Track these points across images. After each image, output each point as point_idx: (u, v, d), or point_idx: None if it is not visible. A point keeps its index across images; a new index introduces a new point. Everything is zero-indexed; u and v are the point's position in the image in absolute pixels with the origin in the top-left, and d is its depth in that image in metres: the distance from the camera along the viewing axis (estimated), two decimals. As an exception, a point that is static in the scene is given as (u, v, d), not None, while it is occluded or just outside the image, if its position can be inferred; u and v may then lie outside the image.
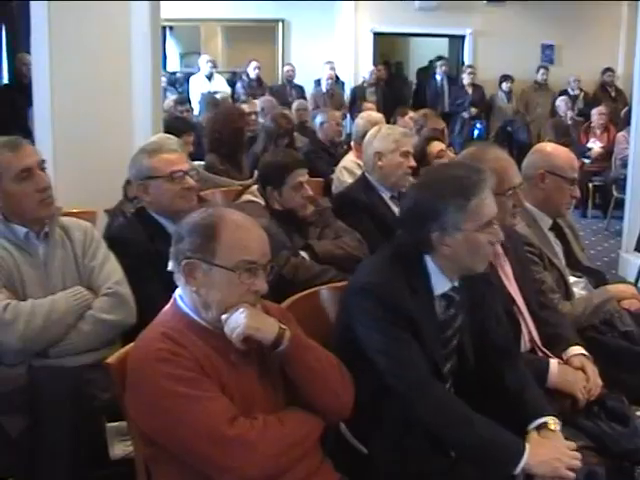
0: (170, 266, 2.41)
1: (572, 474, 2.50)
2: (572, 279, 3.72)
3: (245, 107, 7.72)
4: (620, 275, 7.82)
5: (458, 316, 2.76)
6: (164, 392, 2.19)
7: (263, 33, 14.45)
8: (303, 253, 3.89)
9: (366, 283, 2.64)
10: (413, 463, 2.59)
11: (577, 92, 13.48)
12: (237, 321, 2.29)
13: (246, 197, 4.25)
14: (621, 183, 9.07)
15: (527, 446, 2.52)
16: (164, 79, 11.93)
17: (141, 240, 3.45)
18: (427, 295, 2.67)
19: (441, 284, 2.69)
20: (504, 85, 13.57)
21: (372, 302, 2.59)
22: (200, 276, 2.33)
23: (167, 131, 5.46)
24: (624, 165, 8.69)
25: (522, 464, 2.48)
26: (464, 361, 2.81)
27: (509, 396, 2.76)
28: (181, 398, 2.18)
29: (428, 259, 2.67)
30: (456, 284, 2.74)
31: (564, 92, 13.36)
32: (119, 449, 2.91)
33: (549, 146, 3.79)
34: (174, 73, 13.98)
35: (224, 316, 2.31)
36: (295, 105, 9.92)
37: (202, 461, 2.20)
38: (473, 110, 13.08)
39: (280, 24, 14.27)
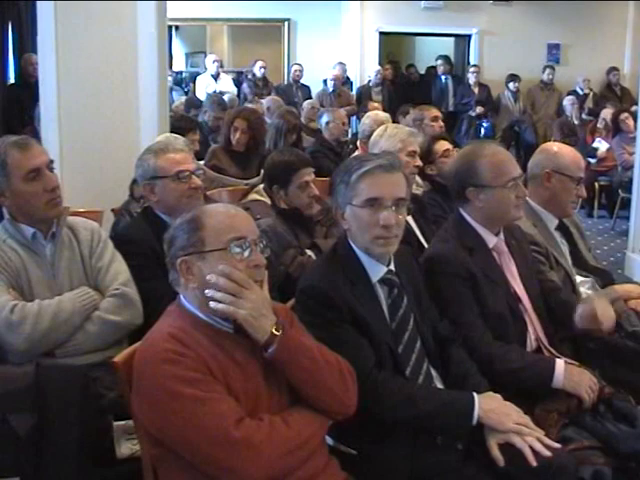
0: (170, 277, 2.44)
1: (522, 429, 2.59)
2: (579, 279, 3.71)
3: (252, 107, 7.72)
4: (626, 275, 7.82)
5: (403, 296, 2.81)
6: (170, 393, 2.19)
7: (269, 33, 14.46)
8: (310, 252, 3.88)
9: (306, 285, 2.72)
10: (402, 456, 2.62)
11: (587, 91, 13.45)
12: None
13: (252, 196, 4.26)
14: (627, 183, 9.06)
15: (475, 395, 2.65)
16: (170, 79, 11.96)
17: (147, 239, 3.45)
18: (367, 284, 2.75)
19: (375, 270, 2.78)
20: (511, 85, 13.54)
21: (313, 302, 2.66)
22: (196, 270, 2.35)
23: (173, 130, 5.49)
24: (625, 169, 8.68)
25: (476, 412, 2.59)
26: (425, 340, 2.85)
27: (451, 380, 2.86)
28: (187, 399, 2.18)
29: (356, 248, 2.76)
30: (392, 267, 2.81)
31: (573, 92, 13.33)
32: (126, 448, 2.91)
33: (555, 145, 3.80)
34: (180, 73, 14.00)
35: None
36: (306, 104, 9.93)
37: (208, 462, 2.19)
38: (479, 109, 13.07)
39: (286, 24, 14.27)
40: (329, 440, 2.66)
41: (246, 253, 2.36)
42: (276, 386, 2.41)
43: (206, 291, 2.32)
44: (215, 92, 11.03)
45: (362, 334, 2.66)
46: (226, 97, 10.13)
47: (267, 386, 2.38)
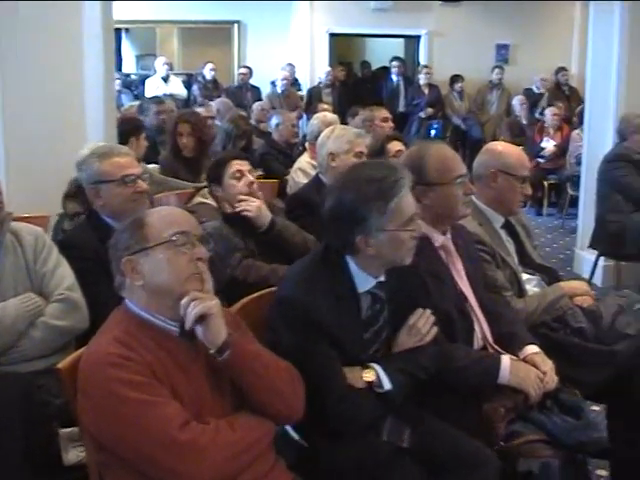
0: (115, 282, 2.44)
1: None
2: (525, 276, 3.74)
3: (201, 110, 7.67)
4: (575, 272, 7.93)
5: (384, 311, 2.82)
6: (115, 397, 2.18)
7: (219, 35, 14.45)
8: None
9: (288, 296, 2.69)
10: (353, 453, 2.63)
11: (542, 91, 13.58)
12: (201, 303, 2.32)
13: (198, 199, 4.25)
14: (575, 181, 9.19)
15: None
16: (119, 81, 11.87)
17: (91, 244, 3.42)
18: (352, 296, 2.74)
19: (364, 282, 2.77)
20: (456, 85, 13.69)
21: (290, 313, 2.63)
22: (141, 268, 2.36)
23: (120, 133, 5.45)
24: (579, 163, 8.80)
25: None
26: None
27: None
28: (132, 403, 2.17)
29: (350, 260, 2.74)
30: (382, 279, 2.80)
31: (528, 90, 13.47)
32: (73, 455, 2.88)
33: (500, 145, 3.81)
34: (129, 75, 13.90)
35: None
36: (256, 105, 9.91)
37: (154, 466, 2.19)
38: (429, 110, 13.17)
39: (236, 26, 14.27)
40: (294, 434, 2.72)
41: (189, 245, 2.38)
42: (220, 390, 2.41)
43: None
44: (165, 95, 10.96)
45: (334, 346, 2.66)
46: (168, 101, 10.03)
47: (211, 390, 2.38)
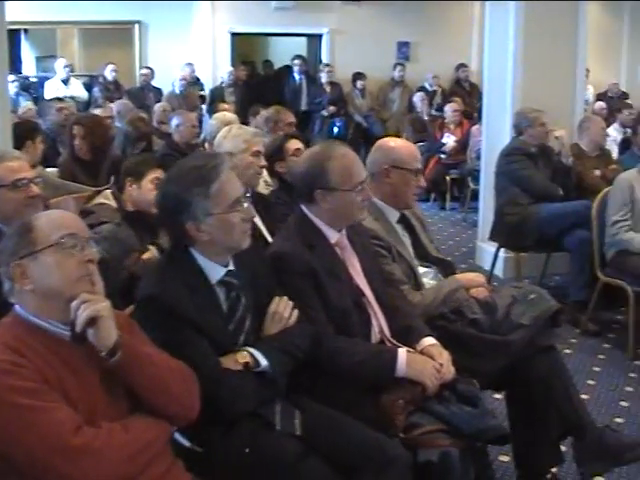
0: (4, 288, 2.40)
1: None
2: (421, 270, 3.79)
3: (100, 112, 7.57)
4: (477, 264, 8.10)
5: (241, 297, 2.85)
6: (6, 405, 2.14)
7: (120, 35, 14.26)
8: (152, 248, 3.84)
9: (144, 295, 2.71)
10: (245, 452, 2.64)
11: (435, 88, 13.82)
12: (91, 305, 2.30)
13: (98, 200, 4.21)
14: (476, 175, 9.36)
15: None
16: (16, 84, 11.63)
17: None
18: (206, 288, 2.77)
19: (215, 272, 2.80)
20: (358, 83, 13.81)
21: (152, 311, 2.65)
22: (31, 272, 2.33)
23: (16, 137, 5.35)
24: (479, 157, 8.96)
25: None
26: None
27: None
28: (24, 410, 2.14)
29: (194, 251, 2.77)
30: (231, 267, 2.84)
31: (422, 88, 13.66)
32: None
33: (391, 141, 3.84)
34: (27, 77, 13.60)
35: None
36: (157, 106, 9.82)
37: (48, 472, 2.16)
38: (331, 108, 13.23)
39: (137, 26, 14.09)
40: (182, 440, 2.68)
41: (78, 247, 2.36)
42: (114, 394, 2.39)
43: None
44: (65, 97, 10.78)
45: (202, 337, 2.67)
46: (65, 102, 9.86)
47: (105, 394, 2.36)
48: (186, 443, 2.69)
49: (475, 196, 9.60)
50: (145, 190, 4.07)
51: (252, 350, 2.76)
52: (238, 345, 2.79)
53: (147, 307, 2.67)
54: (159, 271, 2.82)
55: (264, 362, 2.74)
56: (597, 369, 5.57)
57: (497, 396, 4.39)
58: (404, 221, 3.84)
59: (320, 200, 3.17)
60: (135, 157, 4.21)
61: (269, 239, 4.09)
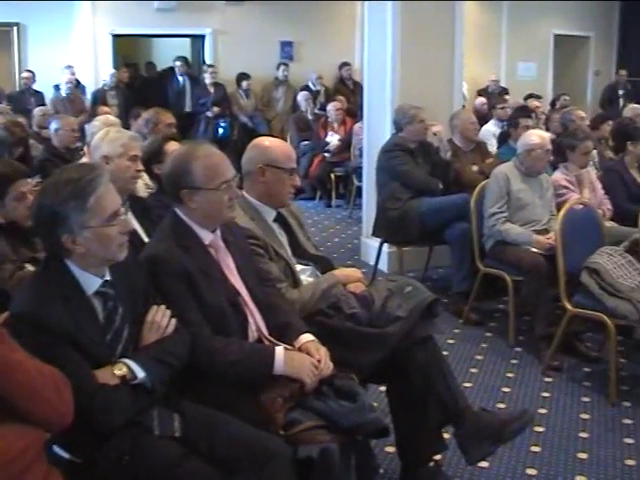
0: None
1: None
2: (299, 267, 3.82)
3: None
4: (363, 260, 8.21)
5: (119, 307, 2.81)
6: None
7: (-2, 38, 13.85)
8: (29, 266, 3.76)
9: (17, 311, 2.65)
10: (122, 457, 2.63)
11: (319, 87, 13.94)
12: None
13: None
14: (360, 172, 9.43)
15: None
16: None
17: None
18: (82, 299, 2.72)
19: (91, 283, 2.75)
20: (242, 83, 13.84)
21: (25, 327, 2.58)
22: None
23: None
24: (362, 154, 9.07)
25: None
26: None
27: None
28: None
29: (69, 262, 2.72)
30: (107, 278, 2.80)
31: (306, 87, 13.75)
32: None
33: (266, 140, 3.85)
34: None
35: None
36: (36, 111, 9.62)
37: None
38: (216, 109, 13.21)
39: (15, 28, 13.70)
40: (61, 452, 2.63)
41: None
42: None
43: None
44: None
45: (77, 351, 2.62)
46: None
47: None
48: (66, 455, 2.65)
49: (360, 193, 9.69)
50: (10, 209, 3.91)
51: (129, 362, 2.73)
52: (116, 355, 2.76)
53: (20, 323, 2.59)
54: (33, 285, 2.73)
55: (141, 374, 2.72)
56: (480, 357, 5.73)
57: (383, 389, 4.44)
58: (281, 220, 3.86)
59: (187, 200, 3.17)
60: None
61: (147, 243, 4.05)
